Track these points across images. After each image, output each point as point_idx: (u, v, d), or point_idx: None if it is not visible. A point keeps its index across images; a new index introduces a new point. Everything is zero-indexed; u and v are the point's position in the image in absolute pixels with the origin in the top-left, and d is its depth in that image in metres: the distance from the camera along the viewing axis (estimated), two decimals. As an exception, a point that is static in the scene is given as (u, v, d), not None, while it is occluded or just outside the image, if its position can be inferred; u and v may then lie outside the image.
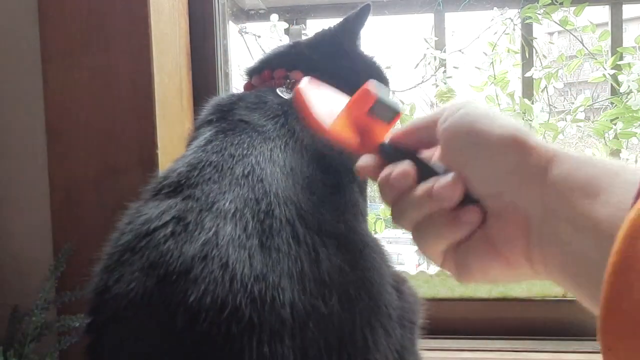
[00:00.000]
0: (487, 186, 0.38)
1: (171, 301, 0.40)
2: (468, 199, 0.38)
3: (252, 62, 0.81)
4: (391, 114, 0.44)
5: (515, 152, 0.36)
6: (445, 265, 0.41)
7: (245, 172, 0.50)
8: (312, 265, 0.43)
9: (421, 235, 0.40)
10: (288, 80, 0.70)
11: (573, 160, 0.35)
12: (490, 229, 0.38)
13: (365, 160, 0.44)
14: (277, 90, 0.67)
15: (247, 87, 0.74)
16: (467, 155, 0.38)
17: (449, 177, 0.38)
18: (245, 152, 0.53)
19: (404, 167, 0.40)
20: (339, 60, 0.75)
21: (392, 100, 0.45)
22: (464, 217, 0.38)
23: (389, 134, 0.45)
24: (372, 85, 0.44)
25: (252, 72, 0.76)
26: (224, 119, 0.61)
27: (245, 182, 0.48)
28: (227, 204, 0.46)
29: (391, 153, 0.43)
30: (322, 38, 0.77)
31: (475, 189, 0.38)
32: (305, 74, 0.69)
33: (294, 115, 0.60)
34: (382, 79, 0.80)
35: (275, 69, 0.72)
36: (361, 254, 0.48)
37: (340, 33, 0.77)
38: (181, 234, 0.43)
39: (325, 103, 0.46)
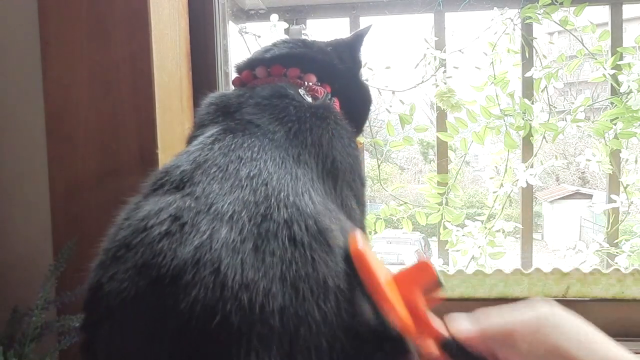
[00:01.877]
0: None
1: (163, 306, 0.40)
2: None
3: (257, 53, 0.75)
4: (434, 288, 0.46)
5: None
6: None
7: (251, 174, 0.49)
8: (308, 268, 0.42)
9: None
10: (305, 83, 0.68)
11: None
12: None
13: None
14: (300, 91, 0.65)
15: (247, 76, 0.70)
16: None
17: None
18: (255, 155, 0.52)
19: None
20: (354, 72, 0.76)
21: (441, 276, 0.46)
22: None
23: (445, 323, 0.46)
24: (432, 264, 0.45)
25: (257, 64, 0.71)
26: (231, 118, 0.60)
27: (248, 183, 0.48)
28: (225, 205, 0.45)
29: (456, 352, 0.44)
30: (338, 45, 0.76)
31: None
32: (319, 79, 0.69)
33: (307, 125, 0.59)
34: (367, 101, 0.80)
35: (290, 66, 0.69)
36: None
37: (357, 45, 0.77)
38: (176, 234, 0.43)
39: (377, 266, 0.45)
